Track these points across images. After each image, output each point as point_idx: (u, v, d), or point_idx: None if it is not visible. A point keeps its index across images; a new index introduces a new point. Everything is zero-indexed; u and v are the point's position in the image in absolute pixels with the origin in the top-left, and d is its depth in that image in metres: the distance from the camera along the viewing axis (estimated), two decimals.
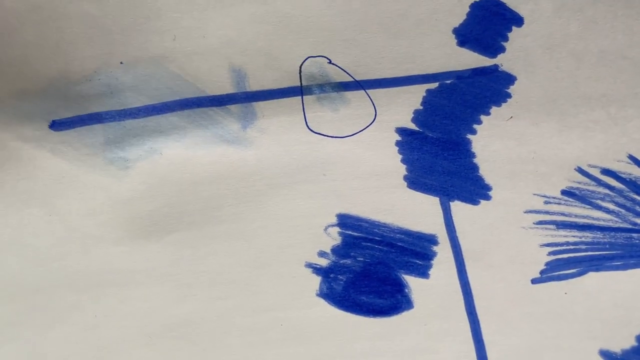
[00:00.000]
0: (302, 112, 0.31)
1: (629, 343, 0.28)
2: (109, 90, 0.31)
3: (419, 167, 0.30)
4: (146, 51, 0.31)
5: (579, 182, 0.30)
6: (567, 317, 0.28)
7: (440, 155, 0.31)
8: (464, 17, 0.31)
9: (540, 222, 0.29)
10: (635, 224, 0.29)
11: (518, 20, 0.31)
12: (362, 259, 0.29)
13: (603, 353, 0.28)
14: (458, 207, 0.30)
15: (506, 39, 0.31)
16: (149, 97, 0.31)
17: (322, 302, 0.28)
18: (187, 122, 0.31)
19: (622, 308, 0.28)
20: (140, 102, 0.31)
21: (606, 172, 0.30)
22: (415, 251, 0.29)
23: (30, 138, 0.30)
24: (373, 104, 0.31)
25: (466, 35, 0.31)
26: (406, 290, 0.29)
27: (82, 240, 0.30)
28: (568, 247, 0.29)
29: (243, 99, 0.31)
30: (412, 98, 0.31)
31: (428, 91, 0.31)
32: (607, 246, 0.29)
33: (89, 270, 0.30)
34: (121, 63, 0.31)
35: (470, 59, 0.31)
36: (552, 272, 0.29)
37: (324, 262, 0.29)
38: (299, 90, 0.31)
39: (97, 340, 0.29)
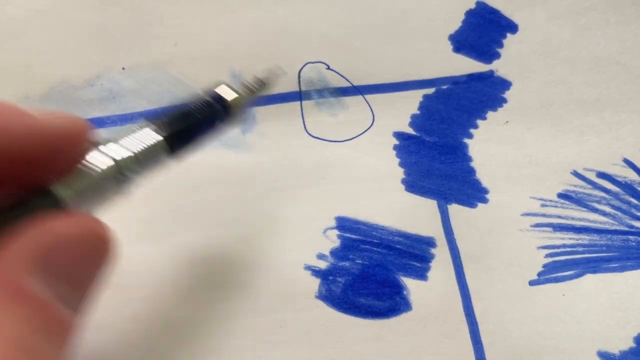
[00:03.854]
0: (301, 117, 0.31)
1: (627, 344, 0.28)
2: (111, 95, 0.31)
3: (416, 171, 0.30)
4: (148, 56, 0.31)
5: (575, 185, 0.30)
6: (565, 318, 0.28)
7: (437, 159, 0.31)
8: (460, 24, 0.31)
9: (537, 225, 0.30)
10: (631, 226, 0.30)
11: (513, 27, 0.32)
12: (360, 261, 0.29)
13: (601, 354, 0.28)
14: (455, 210, 0.30)
15: (501, 45, 0.32)
16: (150, 101, 0.31)
17: (321, 304, 0.28)
18: None
19: (620, 310, 0.28)
20: (142, 106, 0.31)
21: (602, 175, 0.31)
22: (413, 254, 0.29)
23: None
24: (371, 109, 0.31)
25: (462, 42, 0.31)
26: (404, 293, 0.29)
27: None
28: (565, 250, 0.29)
29: None
30: (410, 103, 0.31)
31: (425, 96, 0.31)
32: (604, 248, 0.29)
33: None
34: (123, 68, 0.31)
35: (466, 65, 0.31)
36: (550, 274, 0.29)
37: (322, 265, 0.29)
38: (298, 96, 0.32)
39: (96, 342, 0.29)
